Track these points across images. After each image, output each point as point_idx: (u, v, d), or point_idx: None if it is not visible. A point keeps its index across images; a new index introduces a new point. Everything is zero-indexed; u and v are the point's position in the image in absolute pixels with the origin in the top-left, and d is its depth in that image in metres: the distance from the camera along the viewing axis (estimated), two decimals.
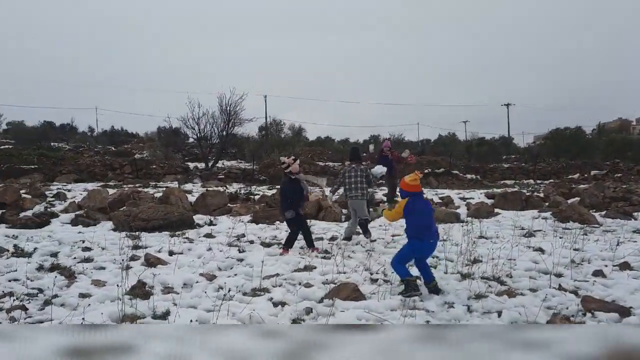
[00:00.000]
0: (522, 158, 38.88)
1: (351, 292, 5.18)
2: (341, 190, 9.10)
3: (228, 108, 28.37)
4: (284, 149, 30.98)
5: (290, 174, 7.84)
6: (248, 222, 10.58)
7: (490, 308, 4.95)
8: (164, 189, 13.91)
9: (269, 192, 14.42)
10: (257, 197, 13.50)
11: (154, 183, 17.55)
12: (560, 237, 9.02)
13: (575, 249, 7.82)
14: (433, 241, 5.60)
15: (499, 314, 4.78)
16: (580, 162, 30.23)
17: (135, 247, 7.64)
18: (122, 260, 6.62)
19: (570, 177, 28.18)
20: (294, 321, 4.56)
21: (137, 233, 8.64)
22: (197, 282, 5.82)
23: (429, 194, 14.72)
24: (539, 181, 26.62)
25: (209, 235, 8.92)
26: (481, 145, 45.67)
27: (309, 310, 4.82)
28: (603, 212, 12.25)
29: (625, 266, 6.54)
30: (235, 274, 6.26)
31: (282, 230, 9.64)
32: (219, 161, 29.64)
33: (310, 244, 7.88)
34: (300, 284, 5.83)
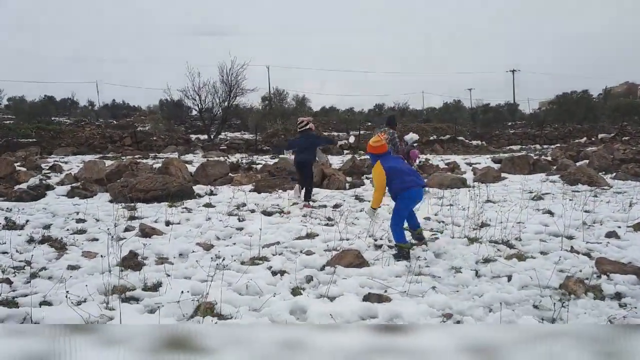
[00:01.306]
0: (528, 124, 38.28)
1: (354, 259, 4.93)
2: None
3: (229, 78, 27.88)
4: (288, 119, 30.57)
5: (309, 130, 9.08)
6: (250, 191, 10.35)
7: (499, 272, 4.71)
8: (164, 159, 13.64)
9: (272, 162, 14.14)
10: (259, 166, 13.23)
11: (154, 154, 17.29)
12: (570, 200, 8.75)
13: (585, 211, 7.55)
14: (419, 189, 5.47)
15: (509, 278, 4.52)
16: (587, 126, 29.66)
17: (131, 218, 7.42)
18: (108, 229, 6.39)
19: (577, 141, 27.69)
20: (294, 290, 4.33)
21: (134, 204, 8.41)
22: (193, 251, 5.59)
23: (434, 160, 14.41)
24: (545, 146, 26.19)
25: (208, 205, 8.68)
26: (486, 112, 45.04)
27: (309, 279, 4.58)
28: (613, 174, 11.93)
29: (639, 227, 6.26)
30: (234, 243, 6.02)
31: (284, 199, 9.40)
32: (222, 133, 29.32)
33: (307, 197, 8.87)
34: (301, 251, 5.60)
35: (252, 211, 8.21)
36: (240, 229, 6.83)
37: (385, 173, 5.37)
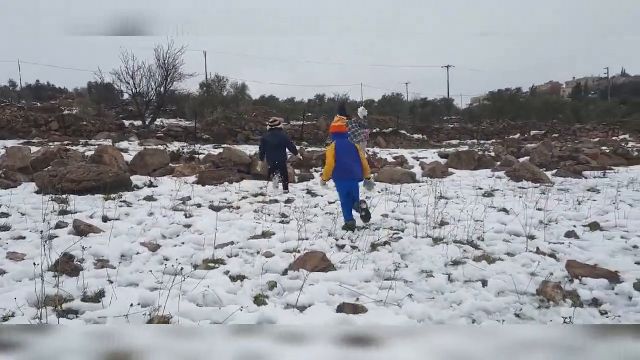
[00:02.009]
0: (462, 119, 39.39)
1: (319, 262, 4.57)
2: None
3: (166, 61, 26.56)
4: (228, 107, 29.65)
5: (280, 129, 9.68)
6: (193, 183, 9.73)
7: (471, 276, 4.50)
8: (97, 147, 12.65)
9: (215, 151, 13.47)
10: (201, 156, 12.54)
11: (85, 141, 16.06)
12: (520, 197, 8.81)
13: (538, 209, 7.59)
14: (352, 181, 6.29)
15: (483, 283, 4.32)
16: (520, 123, 30.87)
17: (63, 212, 6.67)
18: (42, 232, 5.67)
19: (511, 137, 28.74)
20: (256, 298, 3.91)
21: (65, 196, 7.60)
22: (137, 253, 5.01)
23: (382, 153, 14.30)
24: (482, 141, 26.96)
25: (149, 198, 8.02)
26: (424, 106, 46.00)
27: (272, 285, 4.17)
28: (554, 171, 12.29)
29: (595, 226, 6.31)
30: (183, 243, 5.49)
31: (232, 192, 8.89)
32: (157, 119, 27.99)
33: (285, 187, 9.38)
34: (259, 252, 5.16)
35: (199, 205, 7.66)
36: (188, 225, 6.28)
37: (335, 153, 6.23)
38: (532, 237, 5.83)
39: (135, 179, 9.72)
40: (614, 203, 7.59)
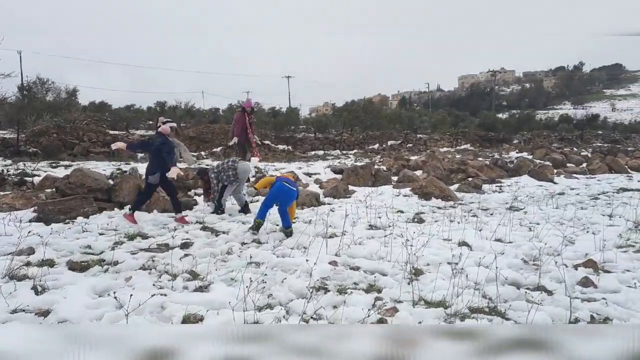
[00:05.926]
0: (310, 128, 39.07)
1: None
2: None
3: None
4: (57, 114, 24.98)
5: (161, 134, 7.27)
6: (31, 221, 6.78)
7: None
8: None
9: (56, 172, 10.21)
10: (37, 179, 9.26)
11: None
12: (451, 221, 7.66)
13: (497, 240, 6.46)
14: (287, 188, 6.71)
15: None
16: (379, 133, 31.25)
17: None
18: None
19: (371, 147, 28.80)
20: None
21: None
22: None
23: (268, 169, 12.33)
24: (344, 151, 26.44)
25: None
26: (276, 115, 44.99)
27: None
28: (455, 186, 11.60)
29: (594, 266, 5.19)
30: None
31: (95, 234, 6.24)
32: None
33: (178, 209, 7.40)
34: None
35: (51, 265, 4.99)
36: (45, 313, 3.73)
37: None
38: (549, 292, 4.47)
39: None
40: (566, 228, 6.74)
